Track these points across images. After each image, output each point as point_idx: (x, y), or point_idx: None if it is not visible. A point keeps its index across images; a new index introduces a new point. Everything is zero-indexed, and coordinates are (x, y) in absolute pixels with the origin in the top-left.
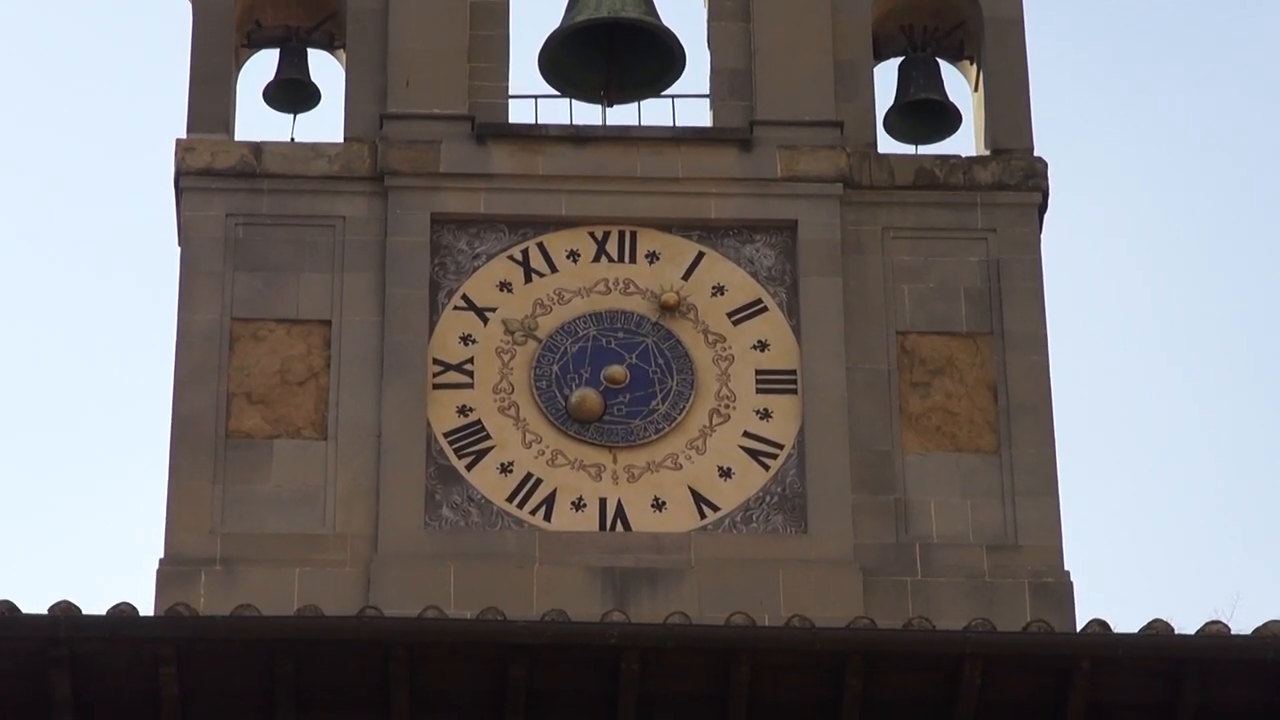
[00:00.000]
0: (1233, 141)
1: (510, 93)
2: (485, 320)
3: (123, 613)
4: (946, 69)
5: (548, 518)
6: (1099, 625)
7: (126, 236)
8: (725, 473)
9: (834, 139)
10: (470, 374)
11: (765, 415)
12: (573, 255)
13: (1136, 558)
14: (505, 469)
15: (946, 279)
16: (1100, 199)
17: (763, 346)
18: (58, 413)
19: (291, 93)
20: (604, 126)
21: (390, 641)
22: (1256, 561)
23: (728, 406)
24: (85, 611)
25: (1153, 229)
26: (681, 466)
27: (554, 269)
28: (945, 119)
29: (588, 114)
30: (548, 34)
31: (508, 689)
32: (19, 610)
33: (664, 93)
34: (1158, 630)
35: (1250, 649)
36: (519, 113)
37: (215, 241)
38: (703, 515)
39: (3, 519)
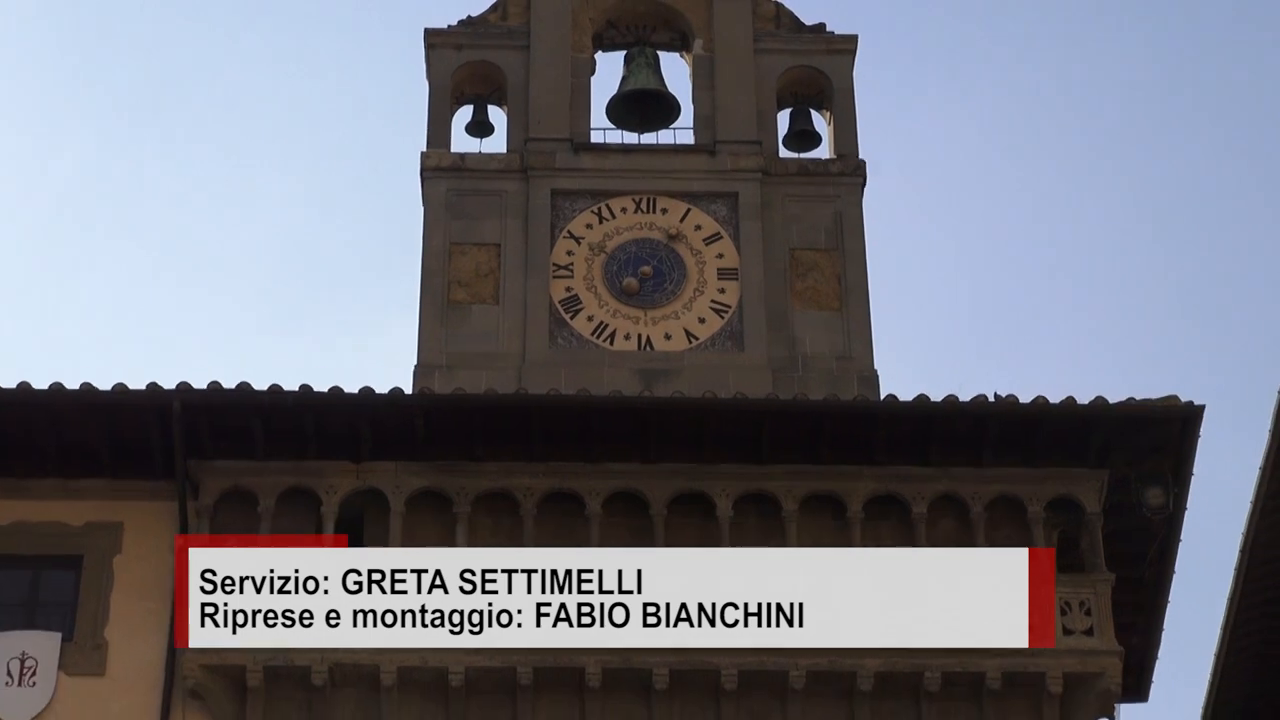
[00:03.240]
0: (989, 141)
1: (591, 126)
2: (579, 243)
3: (399, 392)
4: (815, 114)
5: (610, 343)
6: (891, 398)
7: (394, 203)
8: (702, 320)
9: (757, 150)
10: (571, 271)
11: (722, 291)
12: (624, 210)
13: (916, 363)
14: (590, 319)
15: (814, 221)
16: (897, 178)
17: (720, 256)
18: (366, 295)
19: (479, 127)
20: (639, 144)
21: (530, 407)
22: (1003, 372)
23: (703, 287)
24: (378, 391)
25: (932, 196)
26: (680, 317)
27: (614, 216)
28: (814, 140)
29: (630, 137)
30: (609, 97)
31: (591, 434)
32: (343, 390)
33: (669, 126)
34: (920, 400)
35: (969, 407)
36: (595, 136)
37: (441, 204)
38: (690, 343)
39: (326, 347)
